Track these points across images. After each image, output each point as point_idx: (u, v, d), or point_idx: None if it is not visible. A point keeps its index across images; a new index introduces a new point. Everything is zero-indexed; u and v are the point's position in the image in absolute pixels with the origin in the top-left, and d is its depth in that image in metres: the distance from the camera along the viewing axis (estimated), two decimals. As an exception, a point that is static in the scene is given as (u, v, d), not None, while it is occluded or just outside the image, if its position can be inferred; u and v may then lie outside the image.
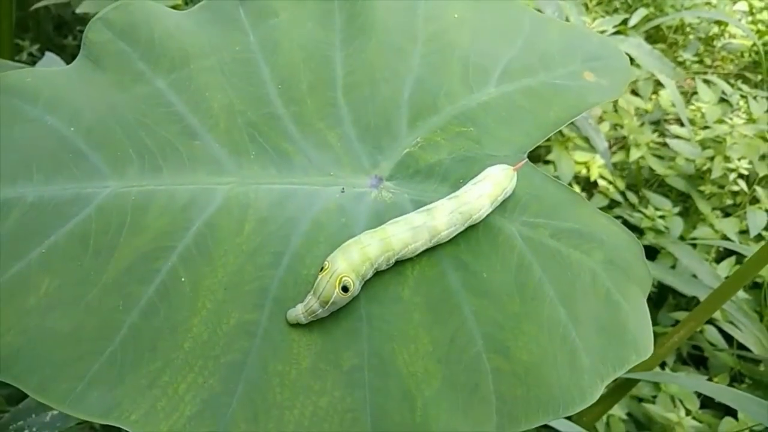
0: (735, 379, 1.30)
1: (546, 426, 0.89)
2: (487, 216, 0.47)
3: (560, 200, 0.49)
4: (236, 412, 0.43)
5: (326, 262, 0.45)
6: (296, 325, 0.45)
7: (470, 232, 0.47)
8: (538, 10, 0.68)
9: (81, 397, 0.43)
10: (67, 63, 0.56)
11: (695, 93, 1.75)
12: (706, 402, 1.21)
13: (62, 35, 1.85)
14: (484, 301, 0.45)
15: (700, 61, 1.93)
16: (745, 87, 1.69)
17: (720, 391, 0.93)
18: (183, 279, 0.46)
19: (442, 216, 0.47)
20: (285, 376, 0.45)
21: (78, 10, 1.28)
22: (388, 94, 0.54)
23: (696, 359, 1.38)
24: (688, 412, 1.11)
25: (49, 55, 1.14)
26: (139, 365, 0.44)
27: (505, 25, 0.59)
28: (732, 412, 1.15)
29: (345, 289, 0.44)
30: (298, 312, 0.45)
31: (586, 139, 1.48)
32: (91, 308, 0.45)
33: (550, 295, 0.45)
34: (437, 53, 0.56)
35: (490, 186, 0.47)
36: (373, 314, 0.46)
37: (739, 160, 1.43)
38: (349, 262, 0.44)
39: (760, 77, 1.88)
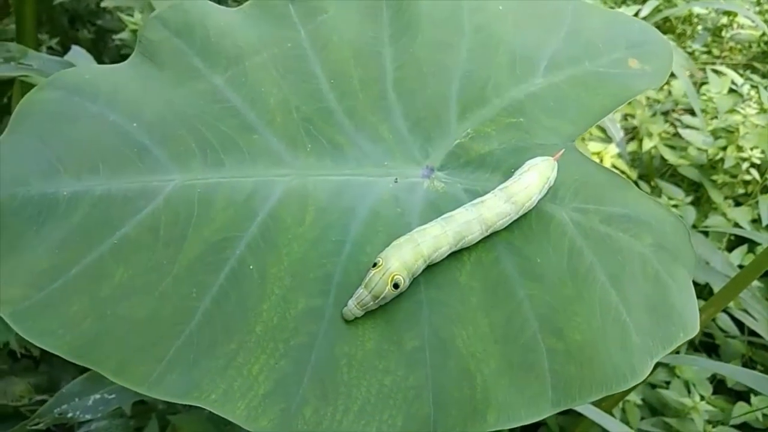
0: (746, 366, 1.32)
1: (571, 410, 0.92)
2: (538, 204, 0.50)
3: (609, 185, 0.51)
4: (306, 390, 0.46)
5: (379, 259, 0.47)
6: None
7: (523, 220, 0.50)
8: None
9: (160, 380, 0.45)
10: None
11: (704, 83, 1.77)
12: (718, 389, 1.23)
13: (75, 29, 1.86)
14: (537, 285, 0.48)
15: (709, 52, 1.95)
16: (755, 77, 1.71)
17: (740, 373, 0.96)
18: (251, 267, 0.49)
19: (493, 208, 0.49)
20: (351, 357, 0.47)
21: (104, 4, 1.29)
22: (437, 88, 0.56)
23: (707, 346, 1.41)
24: (701, 398, 1.13)
25: (76, 49, 1.16)
26: (214, 348, 0.46)
27: (548, 14, 0.61)
28: (744, 398, 1.17)
29: (396, 286, 0.46)
30: (352, 307, 0.47)
31: (602, 130, 1.50)
32: (165, 296, 0.47)
33: (602, 279, 0.47)
34: (483, 46, 0.58)
35: (536, 176, 0.49)
36: (433, 298, 0.48)
37: (751, 149, 1.45)
38: (402, 260, 0.46)
39: (768, 67, 1.90)
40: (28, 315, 0.45)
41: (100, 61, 1.21)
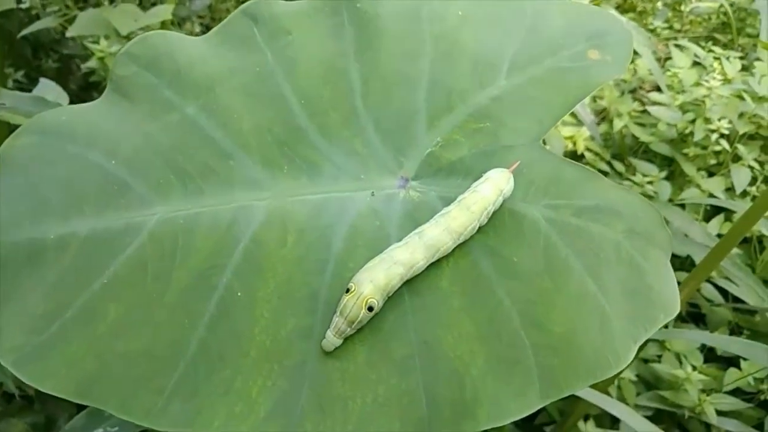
0: (733, 332, 1.35)
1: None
2: (512, 205, 0.52)
3: (577, 179, 0.53)
4: (305, 406, 0.47)
5: (352, 284, 0.48)
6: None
7: (497, 221, 0.52)
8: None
9: (163, 411, 0.46)
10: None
11: (668, 59, 1.80)
12: (708, 357, 1.26)
13: (38, 58, 1.86)
14: (516, 283, 0.50)
15: (670, 27, 1.98)
16: (717, 48, 1.74)
17: (728, 342, 0.98)
18: (239, 293, 0.50)
19: (457, 218, 0.50)
20: (344, 371, 0.49)
21: (69, 33, 1.30)
22: (405, 98, 0.58)
23: (694, 316, 1.44)
24: (693, 368, 1.16)
25: (44, 81, 1.16)
26: (212, 375, 0.47)
27: (508, 16, 0.63)
28: (734, 363, 1.20)
29: (370, 308, 0.48)
30: (330, 338, 0.48)
31: (573, 114, 1.52)
32: (159, 328, 0.49)
33: (578, 269, 0.49)
34: (446, 54, 0.60)
35: (490, 188, 0.51)
36: (417, 305, 0.50)
37: (719, 120, 1.48)
38: (375, 283, 0.48)
39: (729, 37, 1.94)
40: (29, 360, 0.46)
41: (67, 89, 1.21)
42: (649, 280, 0.49)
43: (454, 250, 0.51)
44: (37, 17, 1.59)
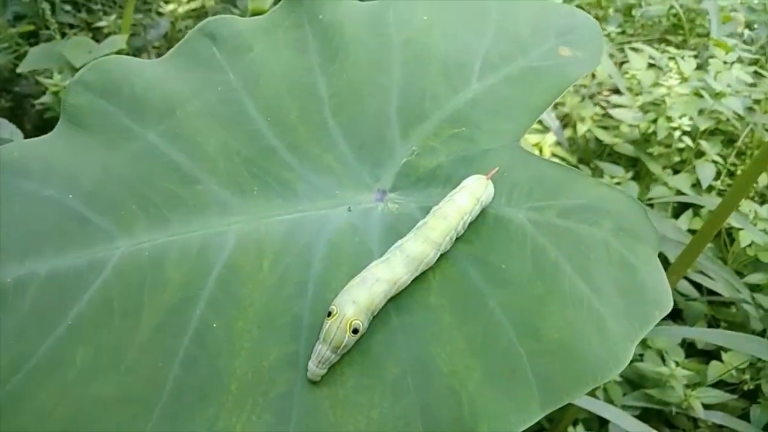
0: (710, 326, 1.36)
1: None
2: (496, 210, 0.50)
3: (561, 179, 0.51)
4: (295, 438, 0.44)
5: (333, 307, 0.46)
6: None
7: (482, 227, 0.50)
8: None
9: (142, 457, 0.43)
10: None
11: (624, 62, 1.83)
12: (689, 352, 1.26)
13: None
14: (506, 291, 0.48)
15: (623, 32, 2.02)
16: (671, 49, 1.77)
17: (712, 335, 0.98)
18: (215, 325, 0.47)
19: (435, 228, 0.48)
20: (333, 398, 0.46)
21: (19, 69, 1.26)
22: (376, 109, 0.56)
23: (670, 313, 1.44)
24: (676, 364, 1.16)
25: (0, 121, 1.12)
26: (193, 416, 0.44)
27: (474, 16, 0.61)
28: (715, 356, 1.20)
29: (355, 331, 0.45)
30: (313, 368, 0.45)
31: (539, 121, 1.53)
32: (132, 370, 0.45)
33: (568, 271, 0.47)
34: (415, 59, 0.58)
35: (467, 197, 0.49)
36: (406, 323, 0.48)
37: (680, 118, 1.50)
38: (357, 304, 0.46)
39: (681, 38, 1.98)
40: None
41: (22, 128, 1.17)
42: (640, 278, 0.47)
43: (439, 261, 0.49)
44: (-14, 59, 1.54)
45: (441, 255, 0.49)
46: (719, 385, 1.15)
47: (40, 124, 1.63)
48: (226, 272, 0.49)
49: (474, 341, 0.47)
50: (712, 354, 1.23)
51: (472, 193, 0.49)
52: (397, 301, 0.48)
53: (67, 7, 1.64)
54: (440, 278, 0.49)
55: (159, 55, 0.58)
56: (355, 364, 0.47)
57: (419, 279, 0.48)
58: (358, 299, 0.46)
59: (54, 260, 0.48)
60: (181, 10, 1.63)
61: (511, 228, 0.49)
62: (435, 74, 0.57)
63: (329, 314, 0.46)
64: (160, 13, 1.72)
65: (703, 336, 1.02)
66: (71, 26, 1.67)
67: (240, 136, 0.54)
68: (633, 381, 1.24)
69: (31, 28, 1.50)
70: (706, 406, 1.09)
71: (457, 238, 0.49)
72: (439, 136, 0.55)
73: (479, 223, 0.50)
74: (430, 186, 0.53)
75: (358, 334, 0.46)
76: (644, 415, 1.14)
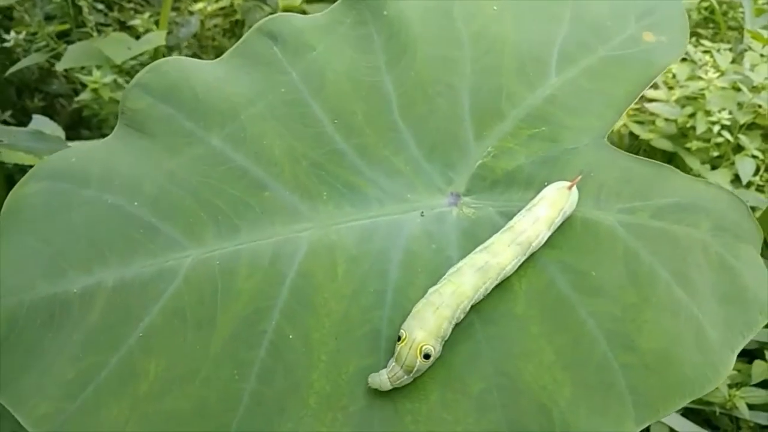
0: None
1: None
2: (584, 213, 0.47)
3: (652, 177, 0.48)
4: (376, 455, 0.42)
5: (402, 332, 0.44)
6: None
7: (569, 233, 0.47)
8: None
9: (220, 475, 0.41)
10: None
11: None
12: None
13: (23, 99, 1.80)
14: (598, 300, 0.45)
15: (656, 25, 1.98)
16: (705, 42, 1.73)
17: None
18: (291, 336, 0.45)
19: (503, 251, 0.46)
20: (416, 413, 0.44)
21: (59, 67, 1.25)
22: (448, 108, 0.53)
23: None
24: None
25: (37, 118, 1.12)
26: (270, 430, 0.42)
27: (545, 5, 0.57)
28: (757, 356, 1.17)
29: (427, 356, 0.43)
30: (383, 378, 0.43)
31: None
32: (207, 382, 0.44)
33: (665, 277, 0.45)
34: (487, 54, 0.55)
35: (545, 209, 0.47)
36: (491, 335, 0.45)
37: (719, 112, 1.47)
38: (426, 329, 0.43)
39: (713, 32, 1.94)
40: (65, 430, 0.42)
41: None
42: (742, 281, 0.44)
43: (525, 268, 0.46)
44: (19, 60, 1.54)
45: (526, 261, 0.46)
46: (764, 384, 1.12)
47: (70, 124, 1.63)
48: (300, 280, 0.47)
49: (564, 354, 0.44)
50: (754, 354, 1.20)
51: (554, 204, 0.47)
52: (481, 310, 0.46)
53: (100, 6, 1.63)
54: (527, 287, 0.46)
55: (191, 54, 0.56)
56: (439, 377, 0.44)
57: (504, 287, 0.46)
58: (426, 324, 0.43)
59: (122, 270, 0.47)
60: (209, 8, 1.61)
61: (600, 232, 0.47)
62: (509, 70, 0.54)
63: (399, 338, 0.44)
64: (190, 12, 1.71)
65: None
66: (103, 25, 1.66)
67: (306, 139, 0.52)
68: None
69: (66, 26, 1.49)
70: (751, 407, 1.06)
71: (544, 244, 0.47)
72: (517, 137, 0.52)
73: (566, 228, 0.47)
74: (509, 189, 0.50)
75: (431, 360, 0.43)
76: (684, 416, 1.11)
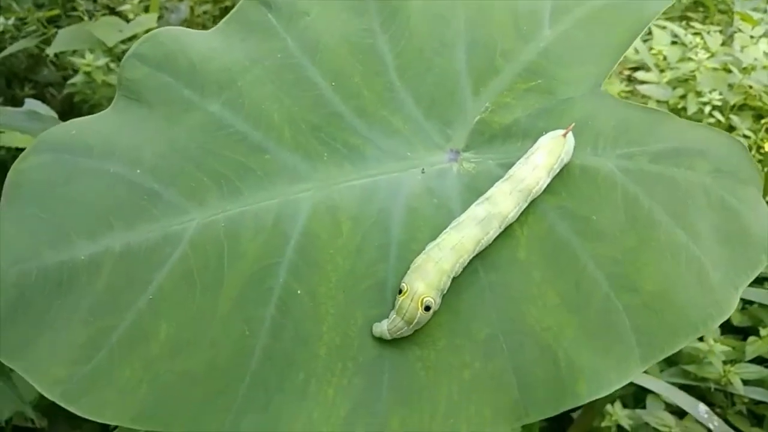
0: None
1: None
2: (582, 160, 0.48)
3: (648, 122, 0.49)
4: (387, 401, 0.43)
5: (404, 285, 0.44)
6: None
7: (569, 180, 0.48)
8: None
9: (235, 427, 0.42)
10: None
11: (646, 40, 1.81)
12: (724, 328, 1.23)
13: (12, 88, 1.80)
14: (599, 244, 0.46)
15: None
16: (696, 25, 1.74)
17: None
18: (299, 291, 0.46)
19: (504, 200, 0.46)
20: (425, 359, 0.45)
21: (50, 51, 1.25)
22: (444, 66, 0.54)
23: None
24: (714, 340, 1.13)
25: (30, 101, 1.11)
26: (282, 382, 0.43)
27: None
28: (752, 332, 1.17)
29: (427, 308, 0.44)
30: (384, 328, 0.44)
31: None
32: (217, 341, 0.44)
33: (664, 220, 0.45)
34: (480, 10, 0.55)
35: (543, 156, 0.47)
36: (494, 281, 0.46)
37: (710, 92, 1.48)
38: (426, 282, 0.44)
39: (703, 16, 1.96)
40: (79, 392, 0.42)
41: (48, 115, 1.16)
42: (744, 222, 0.45)
43: (527, 216, 0.47)
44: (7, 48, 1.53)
45: (527, 208, 0.47)
46: (757, 360, 1.13)
47: (61, 112, 1.62)
48: (304, 240, 0.48)
49: (567, 297, 0.45)
50: (748, 331, 1.20)
51: (551, 152, 0.47)
52: (484, 257, 0.46)
53: (88, -9, 1.63)
54: (528, 233, 0.47)
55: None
56: (446, 324, 0.45)
57: (506, 234, 0.47)
58: (427, 277, 0.44)
59: (127, 235, 0.47)
60: (200, -7, 1.61)
61: (599, 178, 0.47)
62: (503, 24, 0.55)
63: (400, 291, 0.44)
64: (180, -3, 1.70)
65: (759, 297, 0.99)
66: (93, 12, 1.66)
67: (304, 102, 0.53)
68: (669, 357, 1.20)
69: (57, 12, 1.49)
70: (745, 382, 1.07)
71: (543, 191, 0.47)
72: (513, 91, 0.52)
73: (565, 175, 0.48)
74: (507, 142, 0.51)
75: (431, 311, 0.44)
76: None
